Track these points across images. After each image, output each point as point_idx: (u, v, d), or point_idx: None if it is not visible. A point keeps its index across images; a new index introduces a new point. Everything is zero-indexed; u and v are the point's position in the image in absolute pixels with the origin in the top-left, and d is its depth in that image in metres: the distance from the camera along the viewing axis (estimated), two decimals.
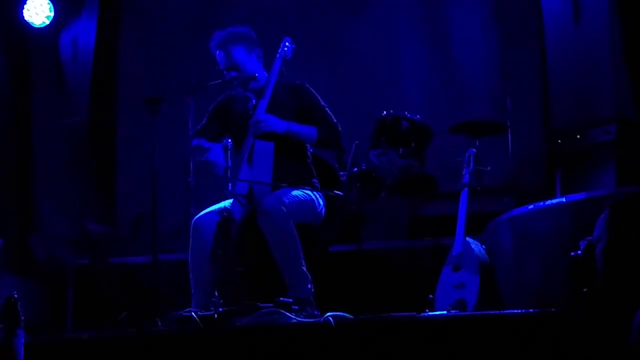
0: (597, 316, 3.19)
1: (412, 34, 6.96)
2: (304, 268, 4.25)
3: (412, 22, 6.96)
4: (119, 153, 7.26)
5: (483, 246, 4.53)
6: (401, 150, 5.80)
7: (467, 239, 4.54)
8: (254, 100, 4.62)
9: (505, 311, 3.83)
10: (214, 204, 4.57)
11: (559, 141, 5.79)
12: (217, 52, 4.63)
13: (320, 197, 4.57)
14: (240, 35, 4.62)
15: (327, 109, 4.61)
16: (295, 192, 4.42)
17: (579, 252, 3.49)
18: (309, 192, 4.51)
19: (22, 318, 3.36)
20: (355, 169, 5.67)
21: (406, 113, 5.85)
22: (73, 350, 3.69)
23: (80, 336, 4.04)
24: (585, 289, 3.39)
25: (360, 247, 5.23)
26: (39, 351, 3.59)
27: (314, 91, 4.66)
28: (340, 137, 4.60)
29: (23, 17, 7.01)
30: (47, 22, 7.06)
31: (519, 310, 3.55)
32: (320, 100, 4.63)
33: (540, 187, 5.81)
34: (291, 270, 4.24)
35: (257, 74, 4.61)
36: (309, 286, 4.24)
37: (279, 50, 4.66)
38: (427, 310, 4.15)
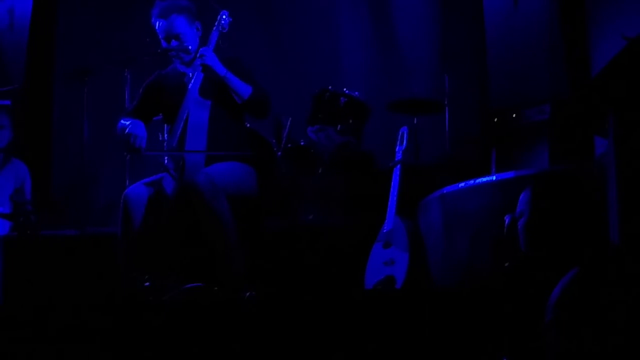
0: (516, 292, 3.22)
1: (353, 10, 6.94)
2: (236, 244, 4.23)
3: None
4: (55, 124, 7.15)
5: (414, 223, 4.56)
6: (339, 126, 5.79)
7: (399, 216, 4.56)
8: (190, 74, 4.58)
9: (430, 287, 3.86)
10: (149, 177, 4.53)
11: (495, 120, 5.82)
12: (159, 21, 4.58)
13: (253, 172, 4.54)
14: (183, 6, 4.59)
15: (258, 82, 4.60)
16: (227, 166, 4.39)
17: (504, 227, 3.53)
18: (241, 167, 4.48)
19: None
20: (290, 144, 5.66)
21: (344, 89, 5.84)
22: None
23: None
24: (506, 264, 3.44)
25: (294, 222, 5.22)
26: None
27: (247, 64, 4.64)
28: (270, 104, 4.56)
29: None
30: None
31: (444, 287, 3.58)
32: (252, 73, 4.61)
33: (476, 166, 5.84)
34: (222, 246, 4.21)
35: (190, 47, 4.57)
36: (241, 262, 4.22)
37: (216, 23, 4.64)
38: (352, 287, 4.17)
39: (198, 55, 4.49)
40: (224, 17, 4.66)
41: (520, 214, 3.21)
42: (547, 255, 3.08)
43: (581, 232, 3.17)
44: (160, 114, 4.85)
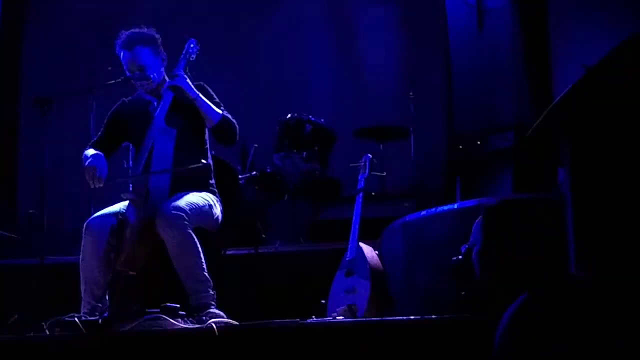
0: (472, 320, 3.23)
1: (320, 38, 6.99)
2: (205, 273, 4.21)
3: (320, 25, 7.00)
4: (21, 153, 7.11)
5: (376, 252, 4.56)
6: (304, 153, 5.81)
7: (361, 244, 4.56)
8: (154, 103, 4.57)
9: (389, 318, 3.85)
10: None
11: (460, 147, 5.85)
12: (123, 52, 4.57)
13: (218, 202, 4.54)
14: (148, 38, 4.58)
15: (223, 108, 4.60)
16: (193, 197, 4.37)
17: (460, 256, 3.54)
18: (206, 197, 4.46)
19: None
20: (254, 172, 5.65)
21: (310, 116, 5.86)
22: None
23: None
24: (463, 293, 3.44)
25: (257, 251, 5.20)
26: None
27: (212, 91, 4.65)
28: (237, 131, 4.56)
29: None
30: None
31: (403, 317, 3.57)
32: (218, 99, 4.61)
33: (441, 193, 5.87)
34: (192, 276, 4.18)
35: (153, 77, 4.56)
36: (211, 292, 4.20)
37: (183, 51, 4.64)
38: (313, 317, 4.14)
39: (173, 73, 4.48)
40: (191, 45, 4.66)
41: (473, 242, 3.24)
42: (499, 283, 3.10)
43: (538, 260, 3.19)
44: (126, 142, 4.84)
